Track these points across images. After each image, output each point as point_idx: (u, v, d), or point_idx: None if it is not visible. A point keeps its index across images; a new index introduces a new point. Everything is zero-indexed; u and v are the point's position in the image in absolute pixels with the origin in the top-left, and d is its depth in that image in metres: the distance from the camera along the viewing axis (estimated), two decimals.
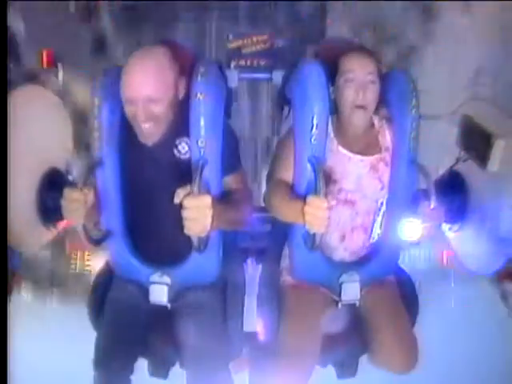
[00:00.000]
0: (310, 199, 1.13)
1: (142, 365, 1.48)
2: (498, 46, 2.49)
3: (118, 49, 2.93)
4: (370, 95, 1.31)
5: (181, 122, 1.29)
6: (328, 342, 1.40)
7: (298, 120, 1.35)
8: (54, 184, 1.47)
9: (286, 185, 1.35)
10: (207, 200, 1.10)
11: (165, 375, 1.51)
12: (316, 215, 1.12)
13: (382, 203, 1.42)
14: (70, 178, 1.54)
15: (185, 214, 1.09)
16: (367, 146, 1.40)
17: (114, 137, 1.33)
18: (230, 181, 1.36)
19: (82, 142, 1.69)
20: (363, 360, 1.53)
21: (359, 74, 1.31)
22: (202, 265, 1.37)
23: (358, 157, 1.38)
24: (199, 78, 1.26)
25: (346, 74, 1.32)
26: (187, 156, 1.32)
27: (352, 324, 1.44)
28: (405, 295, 1.52)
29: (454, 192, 1.51)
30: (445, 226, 1.59)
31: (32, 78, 2.70)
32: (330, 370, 1.57)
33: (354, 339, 1.47)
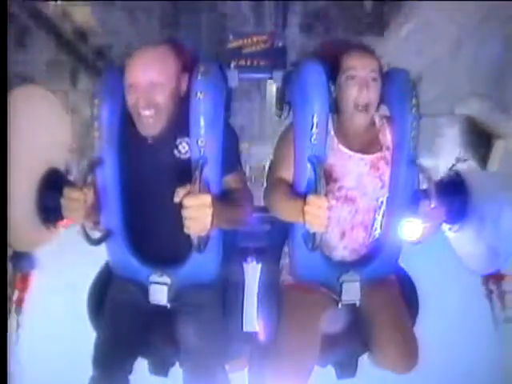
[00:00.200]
0: (310, 198, 1.13)
1: (141, 365, 1.48)
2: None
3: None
4: (372, 93, 1.32)
5: (181, 121, 1.29)
6: (328, 342, 1.40)
7: (298, 119, 1.35)
8: (53, 184, 1.47)
9: (286, 184, 1.35)
10: (207, 199, 1.10)
11: (165, 374, 1.52)
12: (316, 215, 1.12)
13: (382, 202, 1.42)
14: (70, 177, 1.54)
15: (185, 213, 1.09)
16: (368, 144, 1.40)
17: (114, 136, 1.34)
18: (230, 180, 1.36)
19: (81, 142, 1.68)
20: (363, 360, 1.53)
21: (361, 72, 1.31)
22: (202, 265, 1.37)
23: (359, 155, 1.39)
24: (199, 77, 1.27)
25: (348, 72, 1.32)
26: (187, 156, 1.32)
27: (352, 324, 1.44)
28: (405, 295, 1.51)
29: (454, 192, 1.51)
30: (445, 226, 1.59)
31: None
32: (330, 370, 1.57)
33: (353, 339, 1.47)
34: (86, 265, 1.65)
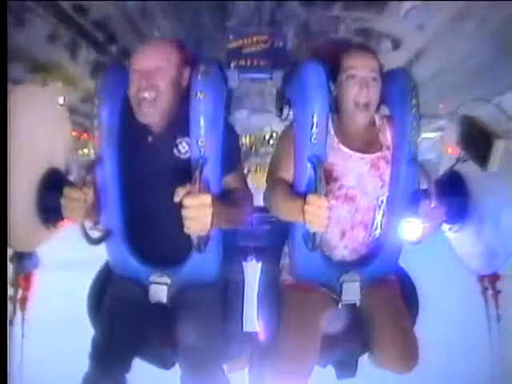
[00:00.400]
0: (311, 198, 1.13)
1: (141, 365, 1.48)
2: None
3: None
4: (373, 92, 1.32)
5: (181, 121, 1.29)
6: (328, 342, 1.40)
7: (298, 119, 1.35)
8: (53, 184, 1.46)
9: (286, 183, 1.35)
10: (207, 199, 1.10)
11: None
12: (316, 214, 1.12)
13: (382, 201, 1.42)
14: (70, 177, 1.54)
15: (185, 212, 1.09)
16: (368, 143, 1.40)
17: (114, 136, 1.34)
18: (230, 180, 1.36)
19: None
20: (363, 360, 1.53)
21: (362, 71, 1.31)
22: (202, 264, 1.37)
23: (359, 154, 1.39)
24: (199, 77, 1.27)
25: (348, 71, 1.32)
26: (187, 155, 1.32)
27: (352, 324, 1.43)
28: (405, 295, 1.51)
29: (454, 192, 1.51)
30: (445, 226, 1.59)
31: None
32: (330, 370, 1.57)
33: (353, 339, 1.47)
34: (86, 265, 1.65)
